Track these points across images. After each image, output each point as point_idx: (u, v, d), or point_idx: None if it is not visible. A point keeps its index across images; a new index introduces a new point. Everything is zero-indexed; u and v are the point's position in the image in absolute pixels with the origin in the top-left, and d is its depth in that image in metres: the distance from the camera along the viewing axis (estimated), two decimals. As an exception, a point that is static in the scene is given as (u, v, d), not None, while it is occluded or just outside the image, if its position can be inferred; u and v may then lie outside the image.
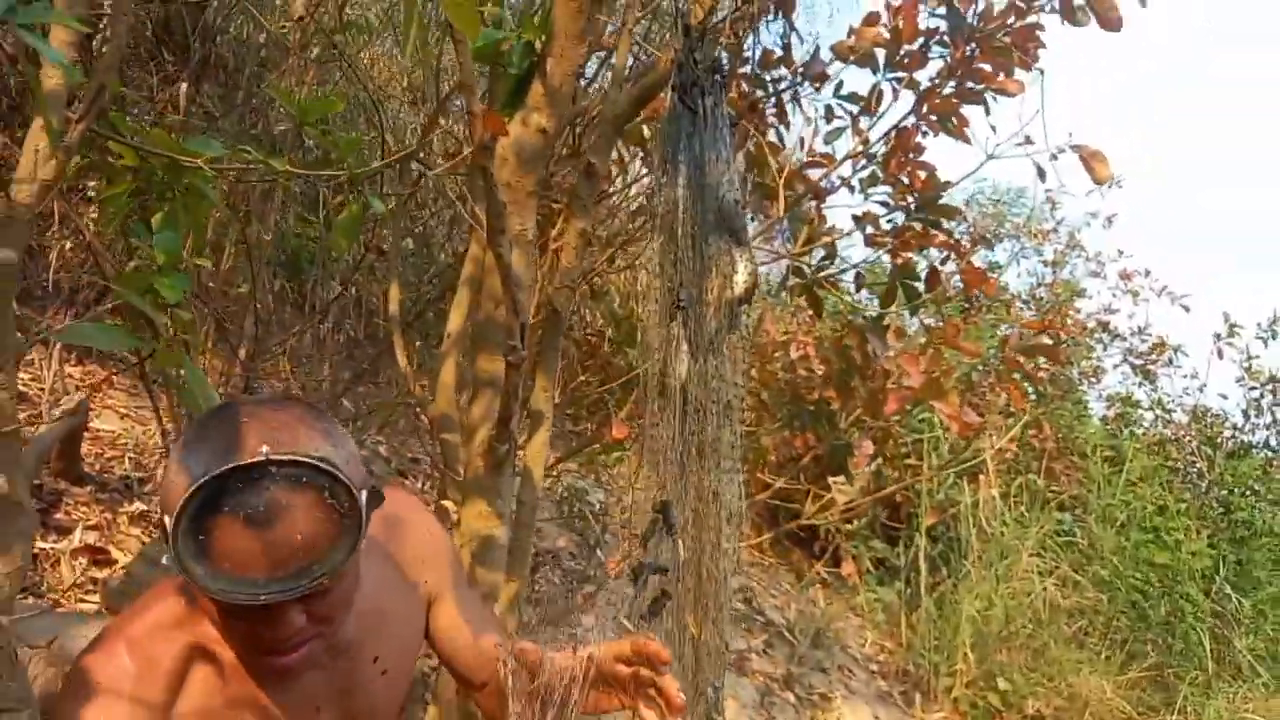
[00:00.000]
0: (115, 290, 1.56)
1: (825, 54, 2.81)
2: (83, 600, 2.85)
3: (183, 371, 1.34)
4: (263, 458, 0.84)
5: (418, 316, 4.20)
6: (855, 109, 2.80)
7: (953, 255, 2.78)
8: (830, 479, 4.64)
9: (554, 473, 3.29)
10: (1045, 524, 5.52)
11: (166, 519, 0.85)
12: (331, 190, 3.94)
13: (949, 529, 5.52)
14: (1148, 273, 8.37)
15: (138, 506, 3.37)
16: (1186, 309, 8.05)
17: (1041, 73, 2.24)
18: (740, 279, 1.30)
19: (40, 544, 2.82)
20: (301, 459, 0.86)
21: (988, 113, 2.39)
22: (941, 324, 3.23)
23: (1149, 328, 8.37)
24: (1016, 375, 3.10)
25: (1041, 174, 2.65)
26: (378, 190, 2.96)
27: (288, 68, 3.43)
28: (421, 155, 3.39)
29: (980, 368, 4.70)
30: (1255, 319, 8.22)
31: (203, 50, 4.29)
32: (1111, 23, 2.08)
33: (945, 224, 2.99)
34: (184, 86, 3.19)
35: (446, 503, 1.98)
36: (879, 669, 5.06)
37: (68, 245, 3.56)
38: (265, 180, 2.50)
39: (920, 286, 2.94)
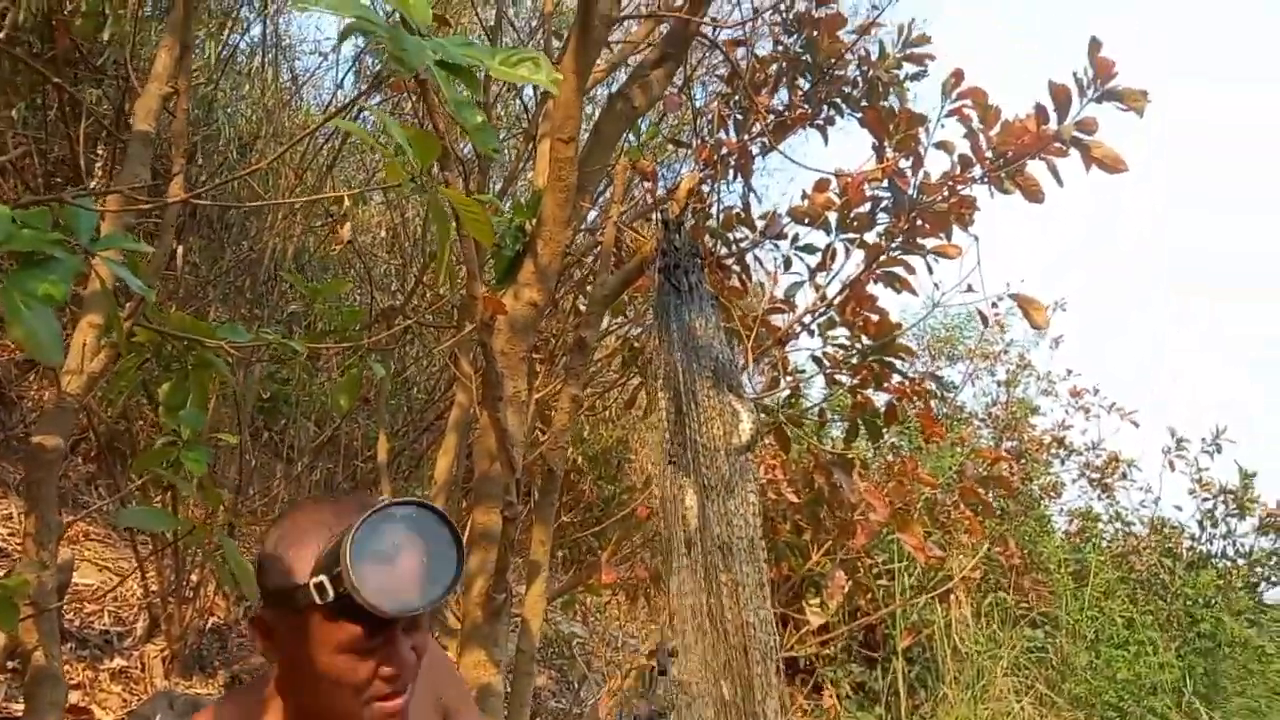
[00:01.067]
0: (139, 467, 1.69)
1: (782, 212, 3.09)
2: (65, 762, 2.82)
3: (217, 544, 1.45)
4: (386, 501, 1.02)
5: (395, 457, 4.31)
6: (812, 262, 3.06)
7: (908, 396, 2.99)
8: (804, 602, 4.70)
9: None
10: (1017, 642, 5.59)
11: (297, 577, 1.04)
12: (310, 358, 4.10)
13: (924, 649, 5.56)
14: (1096, 390, 8.72)
15: (118, 663, 3.35)
16: (1135, 424, 8.37)
17: (976, 239, 2.50)
18: (745, 427, 1.47)
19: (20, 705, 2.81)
20: (418, 501, 1.05)
21: (930, 271, 2.64)
22: (903, 455, 3.40)
23: (1102, 443, 8.67)
24: (974, 505, 3.27)
25: (984, 320, 2.89)
26: (370, 351, 3.12)
27: (276, 229, 3.63)
28: (408, 307, 3.58)
29: (944, 488, 4.87)
30: (1198, 428, 8.54)
31: (189, 207, 4.51)
32: (1034, 196, 2.36)
33: (899, 363, 3.22)
34: (179, 248, 3.37)
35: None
36: (864, 798, 5.01)
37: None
38: (281, 358, 2.66)
39: (879, 422, 3.13)
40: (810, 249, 3.12)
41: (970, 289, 2.99)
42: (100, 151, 3.85)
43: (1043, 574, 6.73)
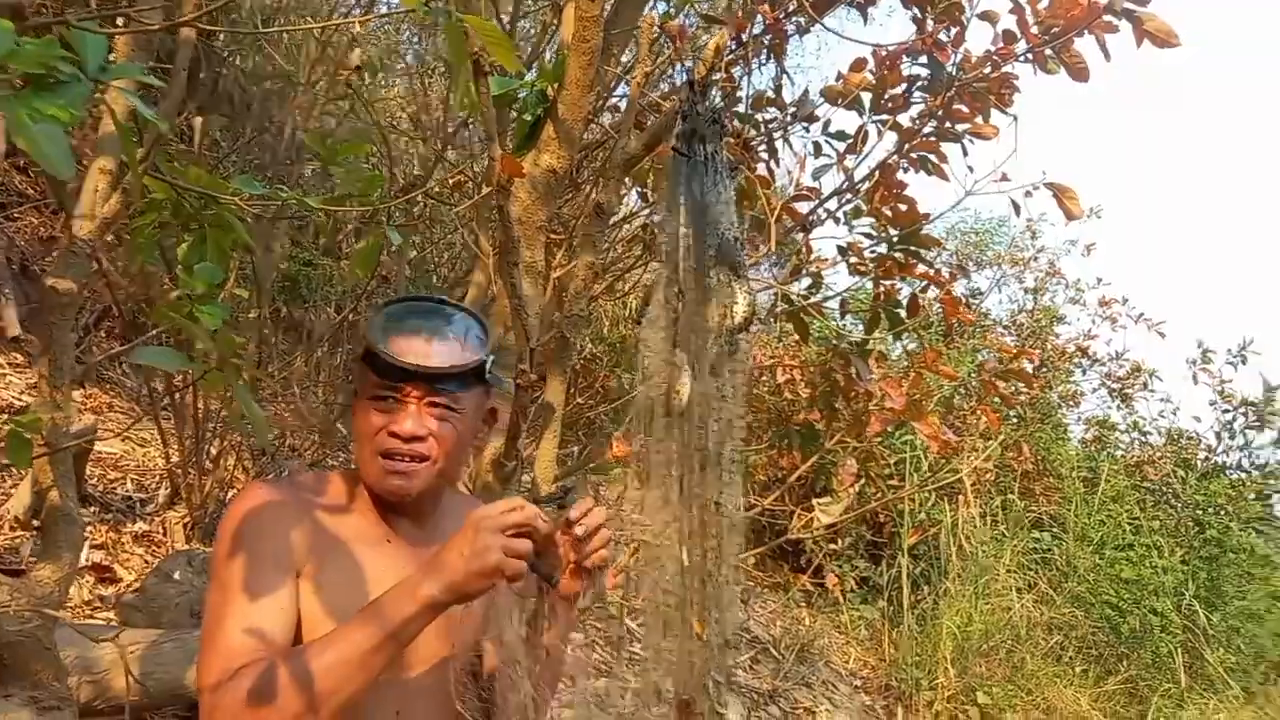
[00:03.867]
0: (157, 317, 1.68)
1: (814, 95, 2.99)
2: (90, 617, 2.94)
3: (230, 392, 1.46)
4: (438, 299, 1.33)
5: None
6: (841, 147, 2.97)
7: (932, 285, 2.94)
8: (815, 500, 4.77)
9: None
10: (1022, 542, 5.67)
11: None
12: (329, 219, 4.07)
13: (931, 548, 5.67)
14: (1125, 300, 8.59)
15: (140, 526, 3.46)
16: (1162, 335, 8.27)
17: (1015, 119, 2.41)
18: (740, 309, 1.44)
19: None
20: (464, 308, 1.35)
21: (965, 154, 2.56)
22: (923, 349, 3.38)
23: (1126, 353, 8.59)
24: (994, 399, 3.26)
25: (1016, 209, 2.82)
26: (388, 221, 3.10)
27: (299, 103, 3.56)
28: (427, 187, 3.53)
29: (961, 391, 4.87)
30: (1227, 343, 8.44)
31: (211, 81, 4.42)
32: (1080, 74, 2.26)
33: (925, 254, 3.16)
34: (199, 120, 3.31)
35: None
36: (862, 684, 5.18)
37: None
38: (296, 216, 2.63)
39: (902, 313, 3.10)
40: (842, 135, 3.03)
41: (1005, 178, 2.91)
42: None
43: (1055, 480, 6.78)
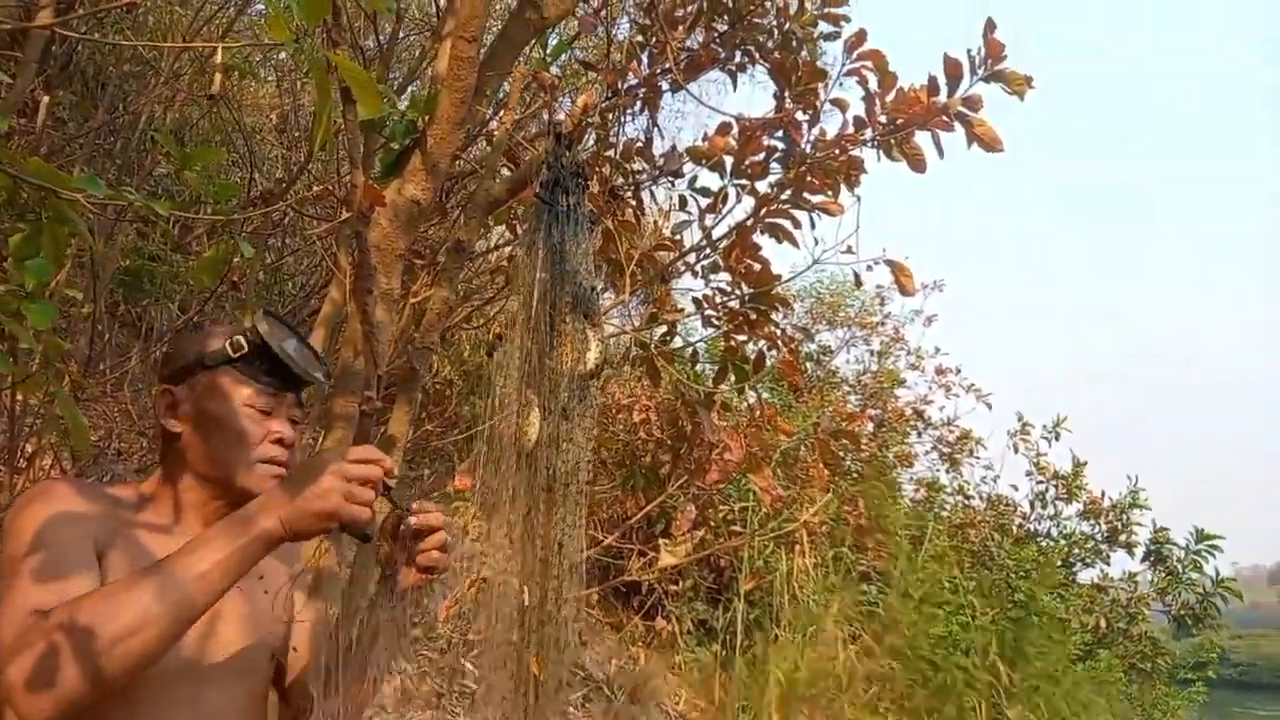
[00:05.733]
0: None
1: (682, 150, 3.12)
2: None
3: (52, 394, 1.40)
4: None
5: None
6: (704, 203, 3.10)
7: (778, 345, 3.09)
8: (661, 540, 4.87)
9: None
10: (851, 595, 5.92)
11: (212, 343, 1.30)
12: (176, 223, 3.90)
13: (767, 595, 5.84)
14: (959, 370, 9.22)
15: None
16: (989, 406, 8.91)
17: (859, 199, 2.59)
18: (592, 356, 1.50)
19: None
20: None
21: (813, 226, 2.72)
22: (762, 405, 3.54)
23: (957, 420, 9.19)
24: (826, 458, 3.44)
25: (858, 282, 3.01)
26: (241, 228, 3.01)
27: (158, 93, 3.41)
28: (289, 193, 3.45)
29: (805, 446, 5.08)
30: (1045, 418, 9.15)
31: (63, 56, 4.18)
32: (918, 165, 2.46)
33: (774, 314, 3.32)
34: (44, 99, 3.13)
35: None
36: (689, 726, 5.26)
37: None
38: (140, 220, 2.53)
39: (748, 368, 3.24)
40: (705, 191, 3.16)
41: (850, 250, 3.11)
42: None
43: (885, 536, 7.13)
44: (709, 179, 3.13)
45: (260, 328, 1.29)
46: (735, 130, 2.89)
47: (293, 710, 1.36)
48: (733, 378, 3.17)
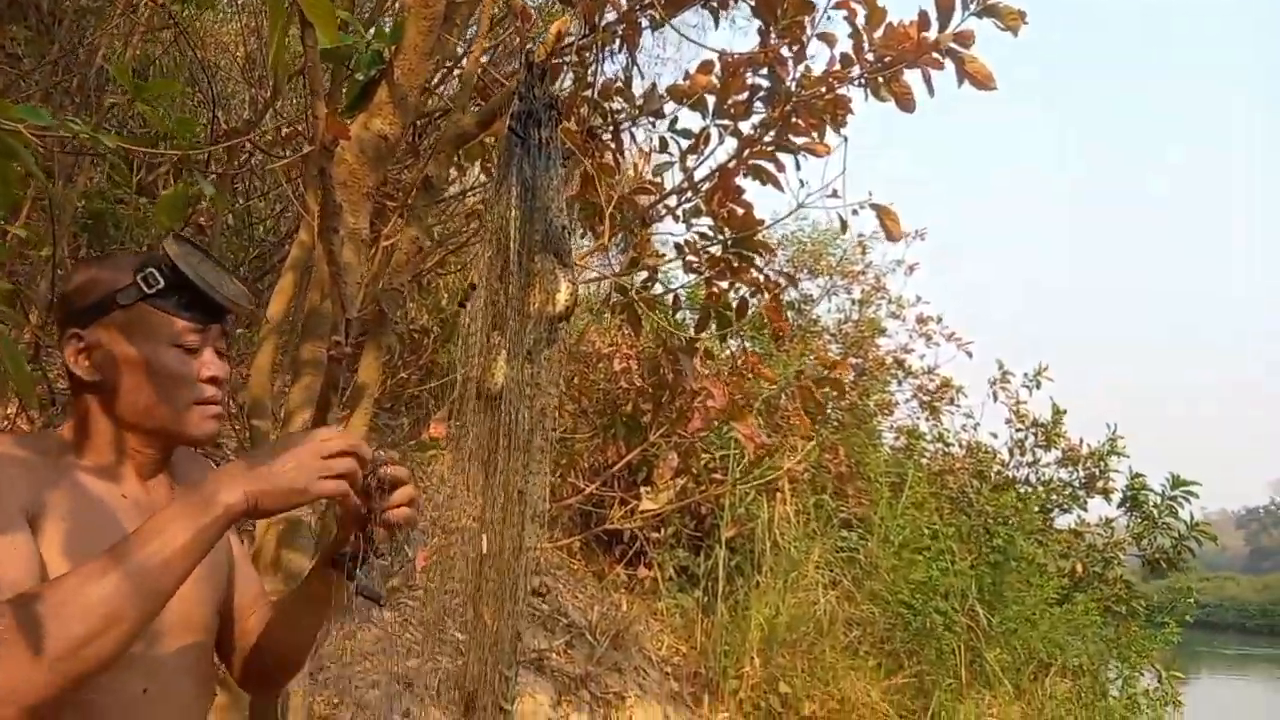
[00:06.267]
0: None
1: (663, 90, 3.01)
2: None
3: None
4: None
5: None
6: (685, 144, 3.01)
7: (761, 291, 3.03)
8: (642, 488, 4.86)
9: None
10: (832, 541, 5.97)
11: (120, 279, 1.13)
12: (132, 160, 3.76)
13: (748, 541, 5.87)
14: (940, 319, 9.19)
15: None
16: (970, 354, 8.91)
17: (845, 139, 2.51)
18: (562, 297, 1.43)
19: None
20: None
21: (798, 168, 2.65)
22: (745, 352, 3.49)
23: (937, 368, 9.20)
24: (809, 406, 3.41)
25: (844, 226, 2.94)
26: (206, 168, 2.90)
27: (114, 28, 3.25)
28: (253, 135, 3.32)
29: (784, 394, 5.06)
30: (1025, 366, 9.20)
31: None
32: (906, 104, 2.38)
33: (757, 260, 3.25)
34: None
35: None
36: (673, 670, 5.31)
37: None
38: (89, 152, 2.41)
39: (731, 315, 3.18)
40: (686, 133, 3.07)
41: (835, 194, 3.04)
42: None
43: (865, 483, 7.17)
44: (690, 120, 3.04)
45: (171, 252, 1.14)
46: (718, 68, 2.79)
47: (255, 676, 1.31)
48: (714, 325, 3.12)
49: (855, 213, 2.92)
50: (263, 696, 1.29)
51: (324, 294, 1.97)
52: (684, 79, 2.83)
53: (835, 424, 7.07)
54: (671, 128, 3.09)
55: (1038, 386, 8.21)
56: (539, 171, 1.55)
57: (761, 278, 3.27)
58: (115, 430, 1.15)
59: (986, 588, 6.29)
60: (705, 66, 2.87)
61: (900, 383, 9.47)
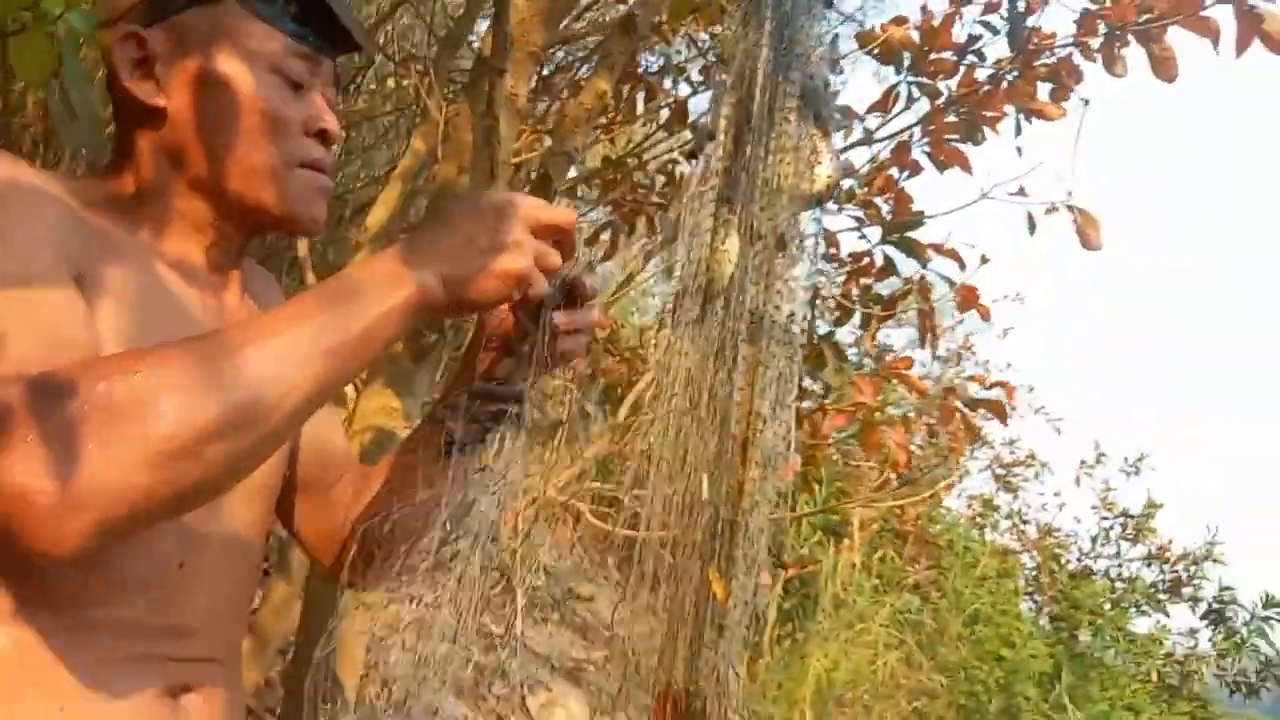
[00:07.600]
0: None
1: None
2: None
3: None
4: None
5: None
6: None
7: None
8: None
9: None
10: (899, 600, 5.51)
11: None
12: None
13: (801, 585, 5.45)
14: (1031, 389, 8.68)
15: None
16: (1058, 431, 8.38)
17: (1086, 102, 2.12)
18: (823, 171, 1.04)
19: None
20: None
21: (1018, 132, 2.24)
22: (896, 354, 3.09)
23: (1018, 441, 8.66)
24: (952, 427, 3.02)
25: (1032, 226, 2.55)
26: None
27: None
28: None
29: (911, 413, 4.63)
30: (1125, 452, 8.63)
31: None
32: (1166, 69, 1.99)
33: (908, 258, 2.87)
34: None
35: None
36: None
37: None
38: None
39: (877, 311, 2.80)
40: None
41: (1022, 191, 2.64)
42: None
43: (935, 547, 6.70)
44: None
45: None
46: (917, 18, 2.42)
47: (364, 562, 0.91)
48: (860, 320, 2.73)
49: (1049, 212, 2.52)
50: (373, 586, 0.90)
51: (462, 166, 1.62)
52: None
53: (901, 482, 6.62)
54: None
55: (1136, 473, 7.66)
56: (799, 8, 1.20)
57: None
58: (184, 189, 0.78)
59: (1068, 680, 5.79)
60: (899, 20, 2.51)
61: (973, 453, 8.96)
